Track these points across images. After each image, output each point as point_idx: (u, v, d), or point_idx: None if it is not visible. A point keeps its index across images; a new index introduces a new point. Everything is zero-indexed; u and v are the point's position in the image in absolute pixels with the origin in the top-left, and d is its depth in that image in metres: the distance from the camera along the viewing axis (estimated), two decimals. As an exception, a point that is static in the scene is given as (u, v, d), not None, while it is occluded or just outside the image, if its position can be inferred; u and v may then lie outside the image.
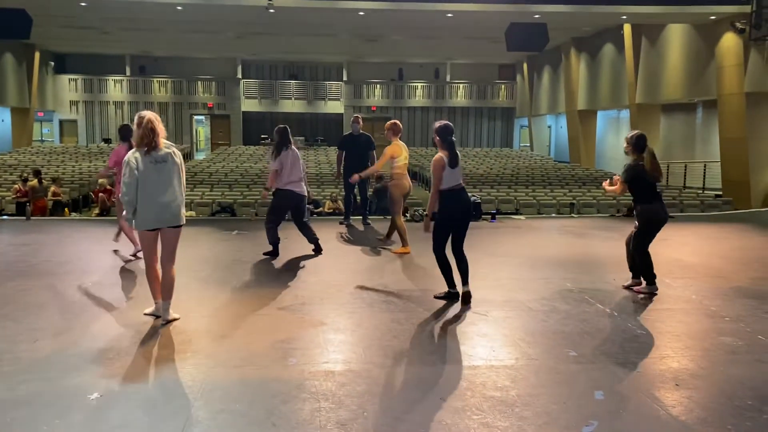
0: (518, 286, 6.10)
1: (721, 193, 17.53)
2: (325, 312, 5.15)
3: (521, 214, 13.57)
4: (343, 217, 10.35)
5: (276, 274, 6.66)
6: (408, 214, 10.44)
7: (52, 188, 14.92)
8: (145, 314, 4.96)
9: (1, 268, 6.77)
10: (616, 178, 6.16)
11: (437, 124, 5.60)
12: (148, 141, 4.66)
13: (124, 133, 7.24)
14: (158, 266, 4.84)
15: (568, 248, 8.40)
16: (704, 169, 19.87)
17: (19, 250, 7.87)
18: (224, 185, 17.18)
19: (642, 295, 5.83)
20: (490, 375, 3.84)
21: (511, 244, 8.77)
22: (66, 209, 15.12)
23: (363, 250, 7.96)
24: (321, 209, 13.61)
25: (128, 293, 5.75)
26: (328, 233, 9.24)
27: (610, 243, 8.73)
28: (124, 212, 4.88)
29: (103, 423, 3.19)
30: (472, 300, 5.49)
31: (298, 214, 7.44)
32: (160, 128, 4.73)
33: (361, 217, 10.22)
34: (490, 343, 4.44)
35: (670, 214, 12.59)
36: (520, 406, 3.41)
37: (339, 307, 5.30)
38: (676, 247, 8.56)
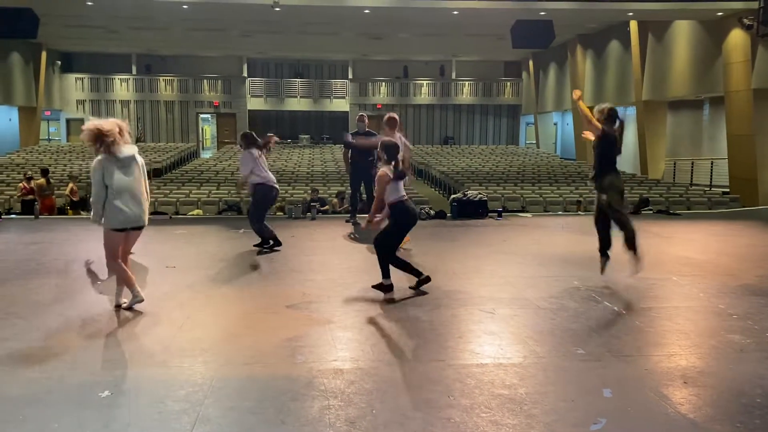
0: (525, 284, 6.10)
1: (728, 190, 17.45)
2: (332, 310, 5.17)
3: (528, 211, 13.55)
4: (349, 216, 10.36)
5: (283, 272, 6.68)
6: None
7: (70, 185, 15.05)
8: (125, 308, 5.13)
9: (10, 267, 6.83)
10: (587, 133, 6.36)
11: (385, 140, 5.95)
12: (107, 146, 4.89)
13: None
14: (120, 261, 5.12)
15: (575, 246, 8.38)
16: (711, 166, 19.81)
17: (28, 248, 7.92)
18: (231, 184, 17.20)
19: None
20: (498, 373, 3.85)
21: (518, 242, 8.77)
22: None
23: (369, 249, 7.96)
24: (327, 207, 13.62)
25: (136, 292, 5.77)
26: (335, 232, 9.27)
27: (616, 240, 8.68)
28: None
29: (114, 421, 3.21)
30: (480, 298, 5.53)
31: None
32: (122, 132, 4.97)
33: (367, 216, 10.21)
34: (498, 341, 4.45)
35: (677, 212, 12.70)
36: (528, 404, 3.42)
37: (346, 305, 5.32)
38: (683, 245, 8.54)
